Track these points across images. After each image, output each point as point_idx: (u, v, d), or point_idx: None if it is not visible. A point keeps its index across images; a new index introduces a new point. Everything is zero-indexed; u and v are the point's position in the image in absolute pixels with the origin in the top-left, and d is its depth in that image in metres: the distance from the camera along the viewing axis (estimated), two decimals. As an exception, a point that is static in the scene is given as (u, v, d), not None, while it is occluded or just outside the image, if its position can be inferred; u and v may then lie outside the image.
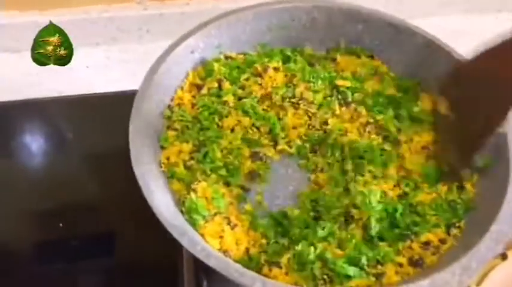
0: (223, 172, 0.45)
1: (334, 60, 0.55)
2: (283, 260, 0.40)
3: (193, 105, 0.50)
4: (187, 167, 0.46)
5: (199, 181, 0.44)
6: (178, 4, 0.71)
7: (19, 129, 0.60)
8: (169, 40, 0.51)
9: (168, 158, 0.46)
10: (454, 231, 0.43)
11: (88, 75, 0.68)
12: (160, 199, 0.40)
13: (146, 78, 0.47)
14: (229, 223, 0.42)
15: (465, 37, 0.52)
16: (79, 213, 0.53)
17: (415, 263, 0.41)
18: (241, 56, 0.54)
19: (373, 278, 0.40)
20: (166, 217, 0.38)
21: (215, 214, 0.42)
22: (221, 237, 0.41)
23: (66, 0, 0.65)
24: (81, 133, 0.60)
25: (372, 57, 0.56)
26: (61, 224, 0.52)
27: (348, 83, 0.52)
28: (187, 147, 0.47)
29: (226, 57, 0.54)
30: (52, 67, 0.66)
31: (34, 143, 0.59)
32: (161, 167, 0.45)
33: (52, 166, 0.58)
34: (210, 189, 0.43)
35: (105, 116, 0.61)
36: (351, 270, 0.39)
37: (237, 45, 0.54)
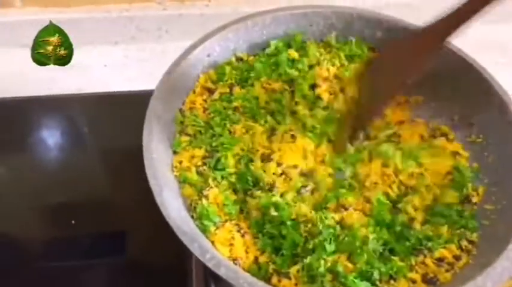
0: (234, 178, 0.45)
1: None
2: (293, 271, 0.39)
3: (204, 109, 0.50)
4: (199, 173, 0.45)
5: (211, 187, 0.43)
6: (197, 5, 0.71)
7: (35, 125, 0.61)
8: (188, 40, 0.51)
9: (180, 162, 0.46)
10: (466, 244, 0.42)
11: (106, 73, 0.68)
12: (171, 203, 0.40)
13: (162, 81, 0.47)
14: (239, 230, 0.42)
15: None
16: (92, 210, 0.54)
17: (428, 280, 0.40)
18: (252, 58, 0.54)
19: None
20: (176, 222, 0.38)
21: (226, 221, 0.42)
22: (231, 245, 0.41)
23: (87, -1, 0.66)
24: (97, 131, 0.61)
25: None
26: (73, 221, 0.52)
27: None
28: (199, 152, 0.46)
29: (238, 59, 0.53)
30: (71, 64, 0.67)
31: (50, 139, 0.60)
32: (173, 171, 0.45)
33: (67, 163, 0.58)
34: (221, 195, 0.43)
35: (122, 115, 0.61)
36: (363, 285, 0.38)
37: (253, 49, 0.54)
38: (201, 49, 0.50)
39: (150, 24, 0.71)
